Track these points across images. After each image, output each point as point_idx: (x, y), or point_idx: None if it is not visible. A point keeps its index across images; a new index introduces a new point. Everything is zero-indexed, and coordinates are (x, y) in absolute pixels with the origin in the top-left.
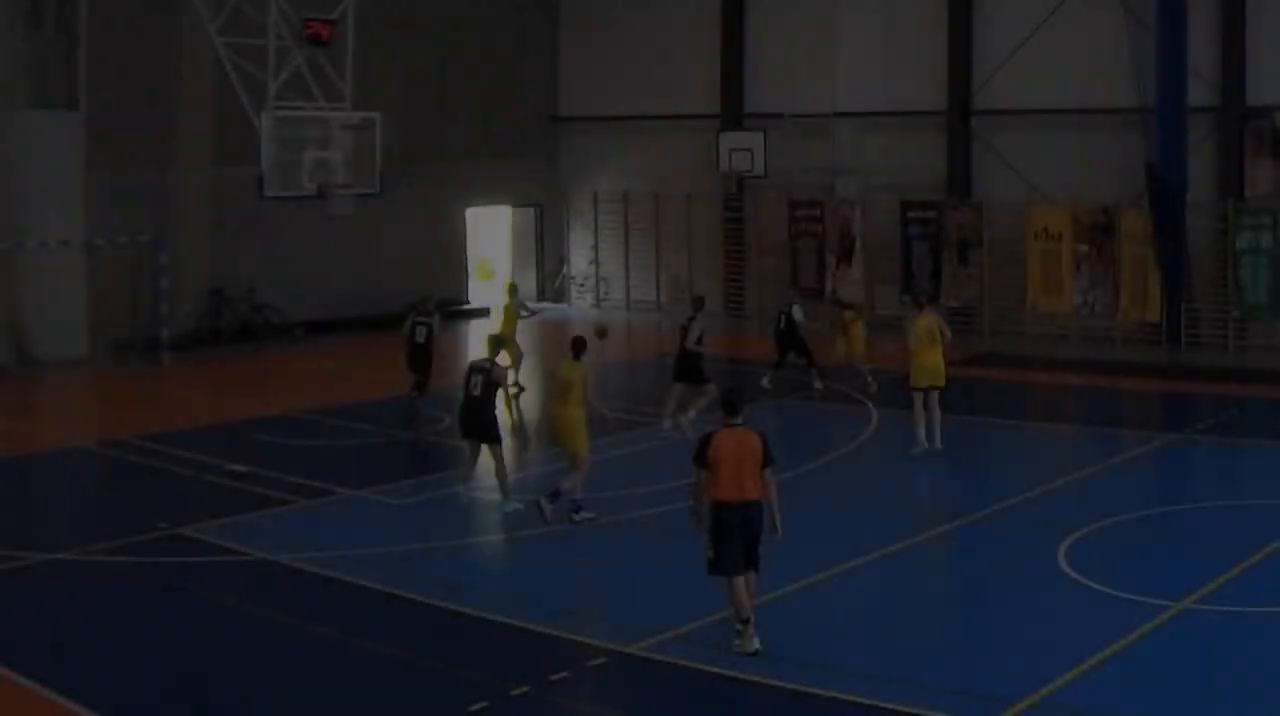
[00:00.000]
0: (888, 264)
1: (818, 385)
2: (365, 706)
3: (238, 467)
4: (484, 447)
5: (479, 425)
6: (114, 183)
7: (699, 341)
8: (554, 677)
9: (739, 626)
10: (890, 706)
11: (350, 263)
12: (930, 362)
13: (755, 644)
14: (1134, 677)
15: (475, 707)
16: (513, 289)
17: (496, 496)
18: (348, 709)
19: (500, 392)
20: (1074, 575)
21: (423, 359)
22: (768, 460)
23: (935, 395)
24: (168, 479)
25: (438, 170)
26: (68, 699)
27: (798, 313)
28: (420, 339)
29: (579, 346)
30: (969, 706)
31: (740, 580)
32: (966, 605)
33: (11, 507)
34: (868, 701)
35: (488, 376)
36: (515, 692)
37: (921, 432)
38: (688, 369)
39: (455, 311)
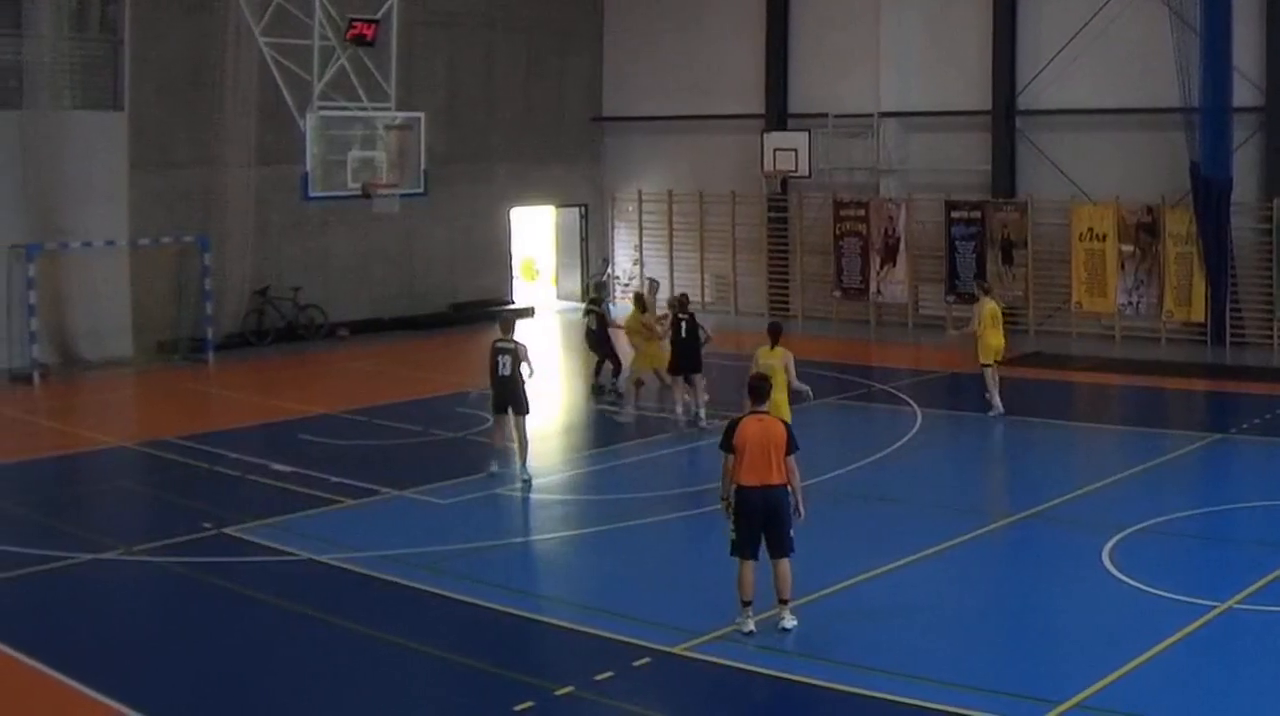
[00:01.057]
0: (932, 264)
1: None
2: (411, 706)
3: (282, 467)
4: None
5: (512, 399)
6: (158, 183)
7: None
8: (599, 677)
9: (741, 605)
10: (935, 706)
11: (394, 262)
12: (994, 342)
13: (750, 625)
14: (1179, 677)
15: (520, 707)
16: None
17: (517, 485)
18: (393, 709)
19: (527, 367)
20: (1119, 575)
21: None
22: (791, 446)
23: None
24: (212, 479)
25: (481, 170)
26: (111, 698)
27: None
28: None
29: (776, 333)
30: (1014, 706)
31: (750, 565)
32: (1011, 605)
33: (56, 507)
34: (912, 701)
35: (514, 355)
36: (560, 692)
37: (997, 398)
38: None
39: (499, 311)
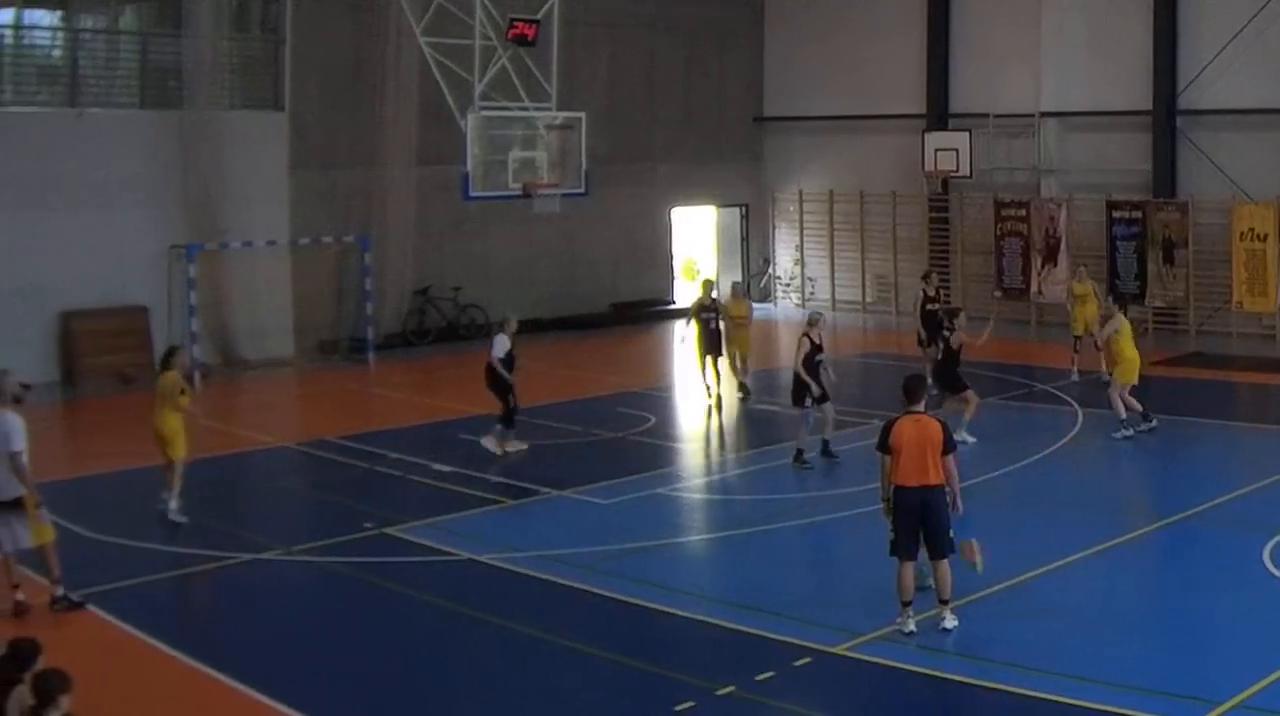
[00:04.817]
0: (1094, 264)
1: None
2: (571, 704)
3: (443, 467)
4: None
5: (948, 379)
6: (319, 182)
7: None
8: (760, 677)
9: (901, 606)
10: (1095, 706)
11: (554, 262)
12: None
13: (911, 626)
14: None
15: (681, 707)
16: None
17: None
18: (553, 707)
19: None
20: (1279, 575)
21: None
22: (948, 446)
23: None
24: (373, 479)
25: (643, 170)
26: (272, 698)
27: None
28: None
29: (1125, 303)
30: (1175, 706)
31: (910, 565)
32: (1171, 605)
33: (217, 507)
34: (1072, 701)
35: (947, 343)
36: (721, 692)
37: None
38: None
39: (660, 311)
